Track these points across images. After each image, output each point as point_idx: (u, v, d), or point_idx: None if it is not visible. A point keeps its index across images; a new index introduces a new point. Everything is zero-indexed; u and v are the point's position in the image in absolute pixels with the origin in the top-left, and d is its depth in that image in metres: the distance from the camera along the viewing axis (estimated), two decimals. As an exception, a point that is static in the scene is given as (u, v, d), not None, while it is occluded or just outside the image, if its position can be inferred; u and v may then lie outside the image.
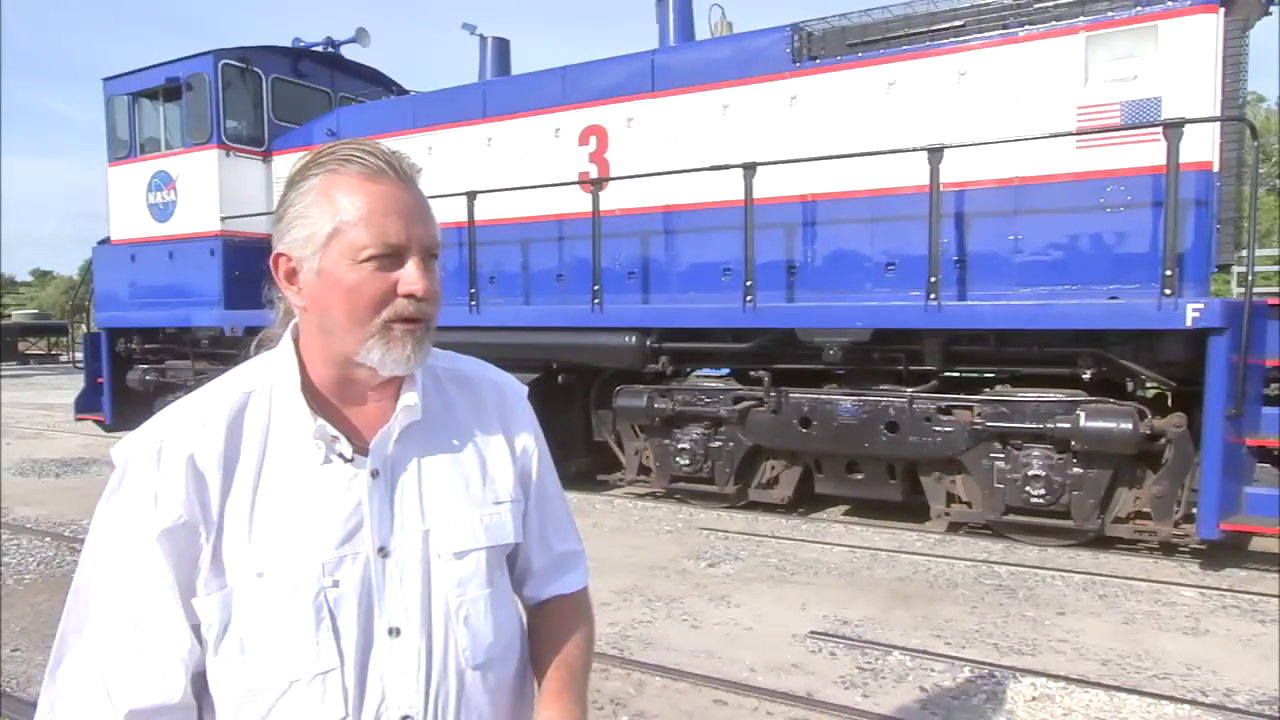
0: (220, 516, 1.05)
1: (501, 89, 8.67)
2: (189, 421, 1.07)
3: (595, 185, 7.43)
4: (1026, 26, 6.18)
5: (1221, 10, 5.63)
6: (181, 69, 9.81)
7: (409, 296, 1.07)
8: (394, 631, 1.09)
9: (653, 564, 5.79)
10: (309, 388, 1.11)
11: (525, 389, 1.33)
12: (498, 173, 8.18)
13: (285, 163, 9.85)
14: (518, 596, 1.31)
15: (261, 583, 1.04)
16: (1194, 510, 5.56)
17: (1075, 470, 5.96)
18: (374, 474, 1.11)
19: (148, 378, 10.71)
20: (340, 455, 1.10)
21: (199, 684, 1.09)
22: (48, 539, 6.50)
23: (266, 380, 1.12)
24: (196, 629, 1.06)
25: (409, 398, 1.14)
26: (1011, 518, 6.25)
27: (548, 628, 1.31)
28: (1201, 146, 5.58)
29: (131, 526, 1.03)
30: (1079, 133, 5.89)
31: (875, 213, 6.68)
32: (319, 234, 1.06)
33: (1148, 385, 6.21)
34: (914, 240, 6.32)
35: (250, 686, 1.05)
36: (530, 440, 1.28)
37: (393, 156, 1.09)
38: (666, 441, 7.58)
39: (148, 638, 1.03)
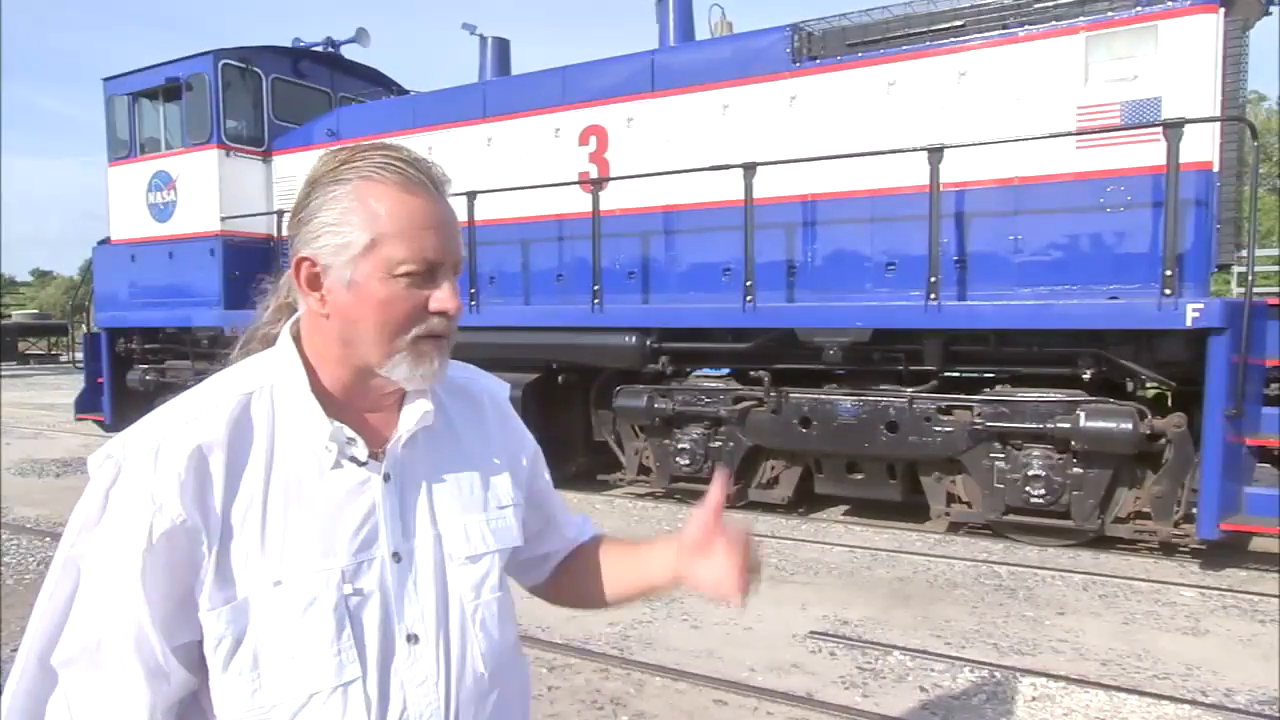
0: (225, 522, 1.00)
1: (501, 89, 8.67)
2: (188, 421, 1.02)
3: (595, 185, 7.43)
4: (1026, 26, 6.18)
5: (1221, 10, 5.63)
6: (181, 69, 9.81)
7: (440, 314, 1.05)
8: (412, 638, 1.06)
9: (653, 564, 5.78)
10: (317, 390, 1.08)
11: (509, 387, 1.36)
12: (498, 173, 8.18)
13: (285, 163, 9.86)
14: (535, 579, 1.37)
15: (279, 592, 1.00)
16: (1194, 510, 5.56)
17: (1075, 470, 5.96)
18: (386, 478, 1.09)
19: (148, 378, 10.71)
20: (354, 459, 1.07)
21: (183, 710, 1.03)
22: (48, 539, 6.49)
23: (266, 381, 1.08)
24: (185, 648, 1.00)
25: (423, 404, 1.11)
26: (1011, 518, 6.25)
27: (593, 549, 1.37)
28: (1201, 146, 5.58)
29: (118, 538, 0.97)
30: (1079, 133, 5.89)
31: (875, 213, 6.68)
32: (355, 244, 1.02)
33: (1148, 385, 6.22)
34: (914, 240, 6.32)
35: (263, 703, 1.00)
36: (526, 442, 1.31)
37: (430, 168, 1.07)
38: (666, 441, 7.57)
39: (116, 661, 0.97)
